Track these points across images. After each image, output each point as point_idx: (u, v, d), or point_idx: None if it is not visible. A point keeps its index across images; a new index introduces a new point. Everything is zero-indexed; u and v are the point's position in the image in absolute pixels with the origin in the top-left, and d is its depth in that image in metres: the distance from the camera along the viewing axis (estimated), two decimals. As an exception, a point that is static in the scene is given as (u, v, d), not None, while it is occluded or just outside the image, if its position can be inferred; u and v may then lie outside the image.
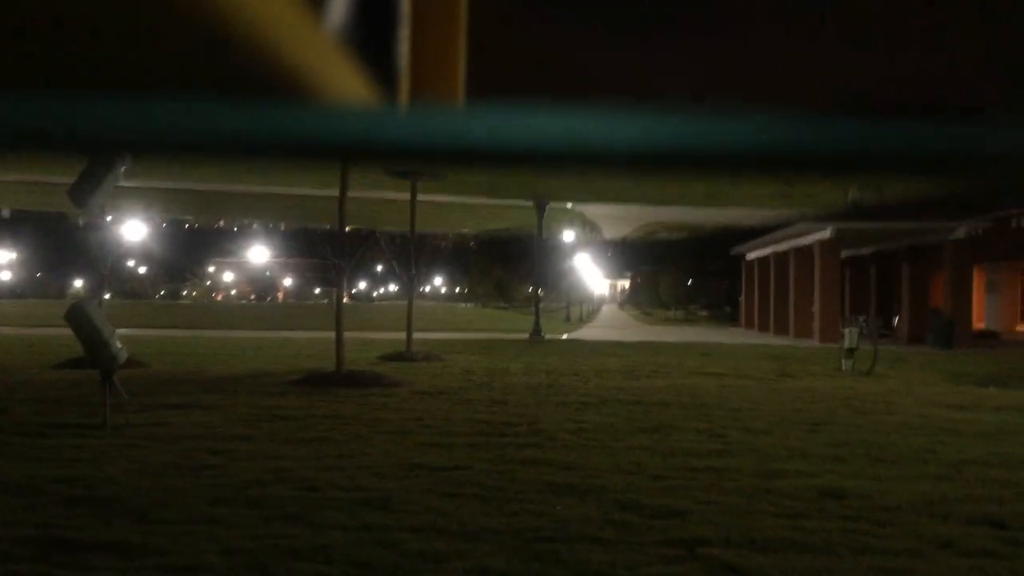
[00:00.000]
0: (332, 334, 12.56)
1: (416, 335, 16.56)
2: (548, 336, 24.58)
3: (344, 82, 0.71)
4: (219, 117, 0.59)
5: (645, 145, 0.57)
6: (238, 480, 5.60)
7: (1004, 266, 32.35)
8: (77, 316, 7.49)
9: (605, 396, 10.36)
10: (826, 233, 25.64)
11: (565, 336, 26.74)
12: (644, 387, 11.57)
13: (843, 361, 14.80)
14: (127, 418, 7.70)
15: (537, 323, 24.91)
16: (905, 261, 28.44)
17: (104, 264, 13.02)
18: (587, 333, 29.48)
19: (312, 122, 0.61)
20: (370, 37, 0.82)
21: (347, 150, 0.64)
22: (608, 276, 75.03)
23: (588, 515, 4.85)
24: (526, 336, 24.20)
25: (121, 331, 8.31)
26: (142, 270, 69.50)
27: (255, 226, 75.11)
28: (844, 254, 29.04)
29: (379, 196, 18.43)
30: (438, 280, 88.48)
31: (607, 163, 0.61)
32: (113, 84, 0.57)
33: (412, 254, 16.57)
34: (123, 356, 7.73)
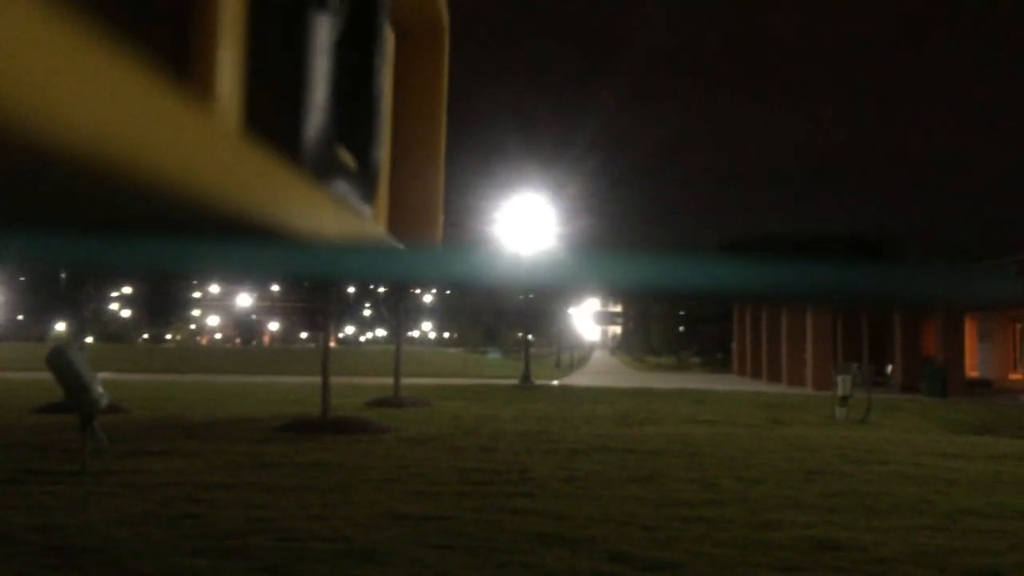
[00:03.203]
0: (318, 379, 12.41)
1: (404, 380, 16.41)
2: (538, 382, 24.44)
3: (321, 221, 0.75)
4: (200, 255, 0.66)
5: (607, 284, 0.65)
6: (218, 530, 5.44)
7: (996, 315, 32.49)
8: (58, 360, 7.34)
9: (596, 444, 10.22)
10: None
11: (556, 382, 26.58)
12: (636, 435, 11.44)
13: (837, 409, 14.72)
14: (106, 464, 7.53)
15: (527, 369, 24.81)
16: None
17: (86, 307, 12.88)
18: (578, 379, 29.32)
19: (290, 259, 0.68)
20: (347, 179, 0.84)
21: (323, 283, 0.68)
22: (599, 322, 75.03)
23: (578, 567, 4.71)
24: (516, 382, 24.06)
25: (103, 375, 8.17)
26: (125, 313, 68.94)
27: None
28: (834, 301, 29.10)
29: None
30: (427, 325, 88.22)
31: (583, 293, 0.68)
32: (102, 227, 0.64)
33: (400, 299, 16.50)
34: (104, 401, 7.56)
